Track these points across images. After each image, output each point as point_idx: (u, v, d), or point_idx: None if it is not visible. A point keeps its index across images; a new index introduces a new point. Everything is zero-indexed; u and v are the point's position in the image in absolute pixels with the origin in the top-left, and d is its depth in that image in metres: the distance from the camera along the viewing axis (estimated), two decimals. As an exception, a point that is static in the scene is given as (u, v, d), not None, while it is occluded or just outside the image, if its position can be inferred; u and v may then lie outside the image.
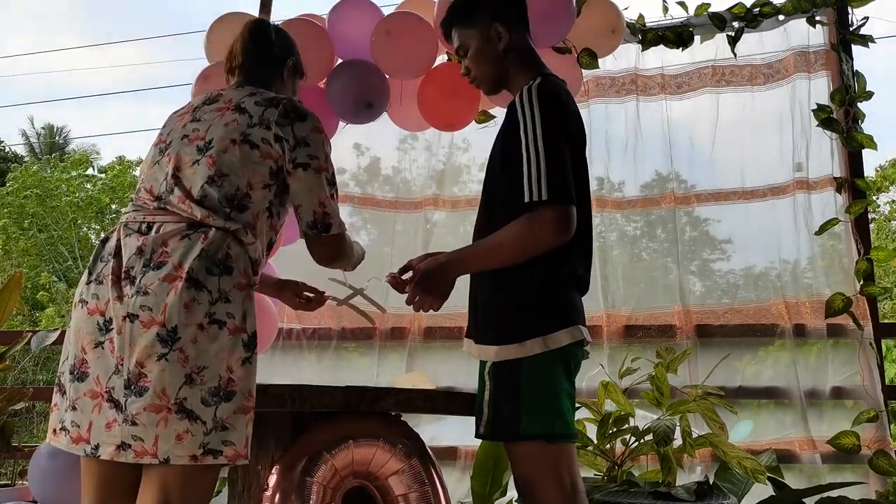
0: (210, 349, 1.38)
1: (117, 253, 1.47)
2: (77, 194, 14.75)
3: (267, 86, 1.71)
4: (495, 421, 1.56)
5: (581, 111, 3.51)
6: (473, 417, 1.71)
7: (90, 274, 1.50)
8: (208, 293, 1.40)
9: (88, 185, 15.59)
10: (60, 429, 1.45)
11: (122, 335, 1.39)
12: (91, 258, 1.54)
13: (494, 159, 1.69)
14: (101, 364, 1.41)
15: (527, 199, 1.50)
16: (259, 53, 1.74)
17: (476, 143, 3.55)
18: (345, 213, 3.57)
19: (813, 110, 3.11)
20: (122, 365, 1.38)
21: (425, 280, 1.59)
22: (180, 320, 1.37)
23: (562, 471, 1.55)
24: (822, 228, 3.02)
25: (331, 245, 1.64)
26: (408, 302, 1.61)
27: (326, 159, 1.65)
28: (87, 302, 1.47)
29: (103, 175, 16.43)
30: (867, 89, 3.11)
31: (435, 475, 1.64)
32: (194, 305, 1.38)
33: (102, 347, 1.42)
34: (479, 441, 2.53)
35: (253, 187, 1.54)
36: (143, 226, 1.48)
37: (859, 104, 3.12)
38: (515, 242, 1.52)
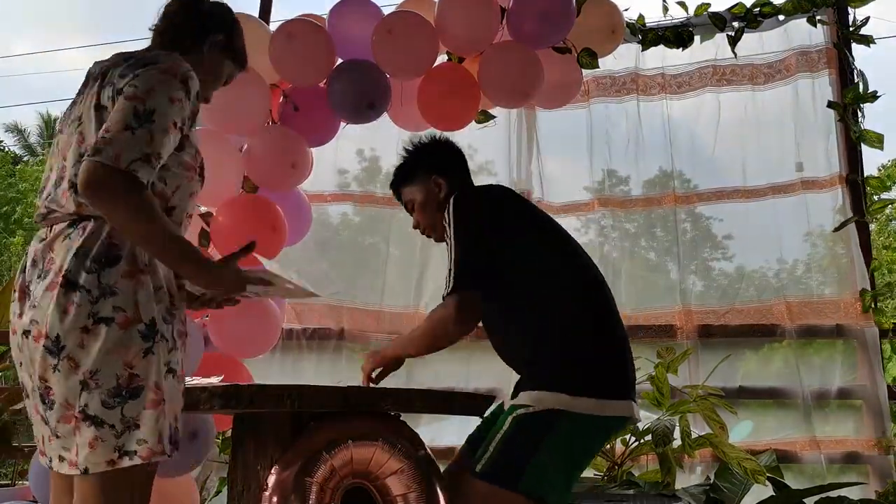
0: (100, 350, 1.30)
1: (24, 266, 1.42)
2: None
3: (171, 51, 1.52)
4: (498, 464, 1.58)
5: (581, 111, 3.55)
6: (473, 417, 1.72)
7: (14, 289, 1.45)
8: (87, 293, 1.31)
9: None
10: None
11: (24, 352, 1.36)
12: None
13: None
14: (28, 382, 1.39)
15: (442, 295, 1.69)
16: (175, 16, 1.59)
17: (477, 144, 3.55)
18: (346, 210, 3.58)
19: (828, 106, 3.11)
20: (34, 380, 1.35)
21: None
22: (62, 328, 1.29)
23: None
24: (842, 225, 3.02)
25: (88, 170, 1.29)
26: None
27: (149, 92, 1.36)
28: (10, 320, 1.43)
29: None
30: (869, 90, 3.12)
31: (436, 474, 1.64)
32: (73, 309, 1.30)
33: (22, 365, 1.39)
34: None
35: None
36: (44, 231, 1.42)
37: (862, 104, 3.13)
38: (429, 333, 1.73)
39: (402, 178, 1.97)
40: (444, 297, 1.67)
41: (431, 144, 1.99)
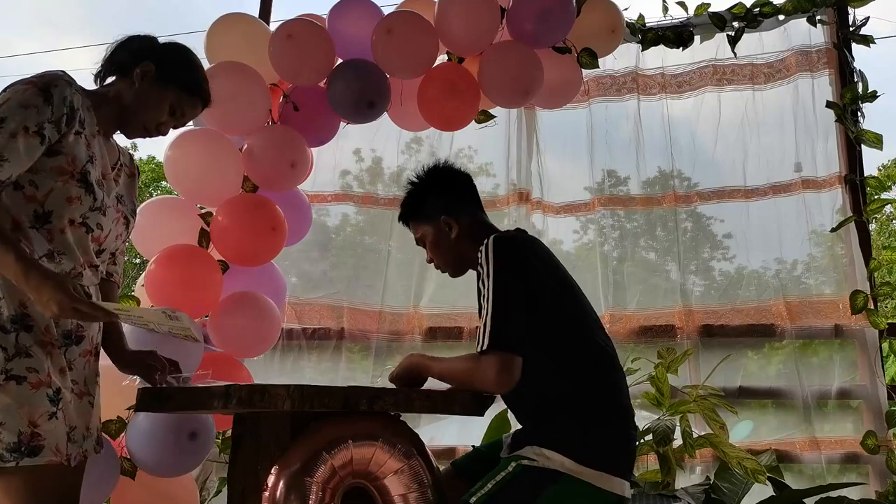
0: None
1: None
2: None
3: (106, 88, 1.73)
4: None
5: (581, 111, 3.55)
6: (472, 417, 1.72)
7: None
8: None
9: None
10: None
11: None
12: None
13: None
14: None
15: (476, 349, 1.62)
16: (109, 57, 1.75)
17: (476, 144, 3.56)
18: (347, 211, 3.58)
19: (827, 106, 3.11)
20: None
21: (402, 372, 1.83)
22: None
23: None
24: (840, 225, 3.01)
25: None
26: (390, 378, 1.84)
27: (3, 104, 1.49)
28: None
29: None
30: (868, 89, 3.12)
31: (436, 474, 1.64)
32: None
33: None
34: (478, 442, 2.53)
35: None
36: None
37: (861, 104, 3.13)
38: (462, 378, 1.69)
39: (409, 213, 1.94)
40: (479, 351, 1.61)
41: (438, 177, 1.93)
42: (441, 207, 1.87)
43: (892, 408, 2.84)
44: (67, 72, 1.63)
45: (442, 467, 1.84)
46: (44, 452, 1.49)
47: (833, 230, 3.05)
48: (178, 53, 1.79)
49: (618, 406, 1.68)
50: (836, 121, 3.13)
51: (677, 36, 3.26)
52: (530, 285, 1.65)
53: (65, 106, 1.57)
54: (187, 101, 1.78)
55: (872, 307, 2.96)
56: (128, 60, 1.73)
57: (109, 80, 1.77)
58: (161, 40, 1.81)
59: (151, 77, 1.72)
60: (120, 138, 1.81)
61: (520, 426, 1.79)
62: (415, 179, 1.95)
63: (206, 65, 2.76)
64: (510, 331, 1.60)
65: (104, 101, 1.71)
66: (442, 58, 2.91)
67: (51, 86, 1.54)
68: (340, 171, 3.53)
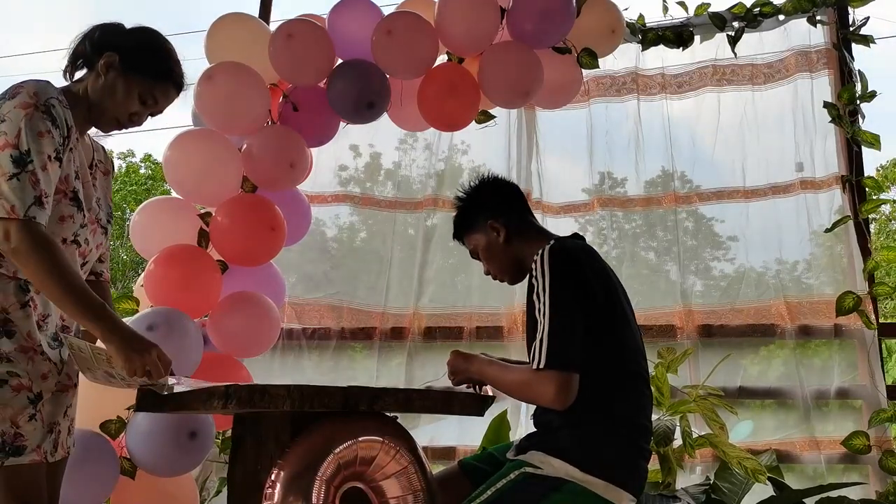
0: None
1: None
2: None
3: (76, 84, 1.69)
4: None
5: (581, 111, 3.54)
6: (471, 417, 1.72)
7: None
8: None
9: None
10: None
11: None
12: None
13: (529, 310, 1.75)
14: None
15: (533, 367, 1.59)
16: (73, 51, 1.70)
17: (476, 144, 3.55)
18: (347, 211, 3.58)
19: (823, 106, 3.11)
20: None
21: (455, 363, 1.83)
22: None
23: None
24: (835, 225, 3.01)
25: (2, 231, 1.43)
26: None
27: (18, 135, 1.45)
28: None
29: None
30: (868, 89, 3.12)
31: (430, 478, 1.64)
32: None
33: None
34: (478, 441, 2.53)
35: None
36: None
37: (861, 104, 3.13)
38: (518, 391, 1.69)
39: (460, 226, 1.97)
40: (536, 368, 1.58)
41: (482, 187, 1.96)
42: (486, 213, 1.89)
43: (884, 409, 2.83)
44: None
45: (443, 467, 1.84)
46: (27, 452, 1.51)
47: (828, 230, 3.05)
48: (143, 40, 1.72)
49: (635, 424, 1.67)
50: (830, 121, 3.12)
51: (677, 36, 3.26)
52: (585, 303, 1.64)
53: (66, 126, 1.56)
54: (158, 88, 1.71)
55: (870, 307, 2.95)
56: (91, 53, 1.68)
57: (78, 74, 1.72)
58: (127, 26, 1.75)
59: (116, 67, 1.66)
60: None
61: (526, 428, 1.79)
62: (461, 195, 1.97)
63: (206, 65, 2.78)
64: (567, 349, 1.58)
65: (76, 100, 1.66)
66: (442, 58, 2.91)
67: (50, 106, 1.52)
68: (341, 171, 3.53)
